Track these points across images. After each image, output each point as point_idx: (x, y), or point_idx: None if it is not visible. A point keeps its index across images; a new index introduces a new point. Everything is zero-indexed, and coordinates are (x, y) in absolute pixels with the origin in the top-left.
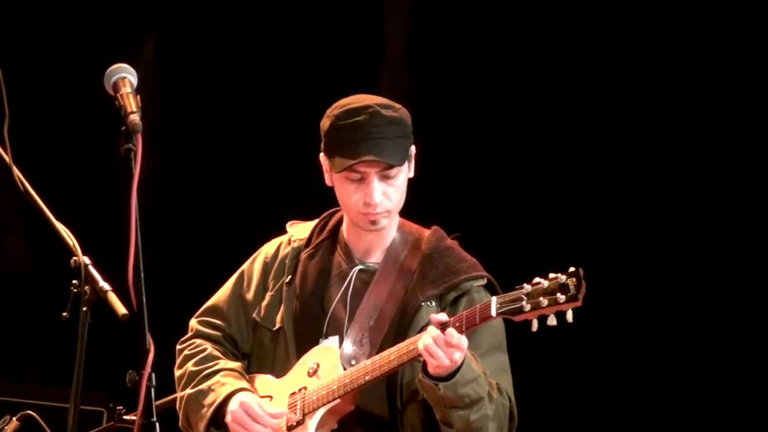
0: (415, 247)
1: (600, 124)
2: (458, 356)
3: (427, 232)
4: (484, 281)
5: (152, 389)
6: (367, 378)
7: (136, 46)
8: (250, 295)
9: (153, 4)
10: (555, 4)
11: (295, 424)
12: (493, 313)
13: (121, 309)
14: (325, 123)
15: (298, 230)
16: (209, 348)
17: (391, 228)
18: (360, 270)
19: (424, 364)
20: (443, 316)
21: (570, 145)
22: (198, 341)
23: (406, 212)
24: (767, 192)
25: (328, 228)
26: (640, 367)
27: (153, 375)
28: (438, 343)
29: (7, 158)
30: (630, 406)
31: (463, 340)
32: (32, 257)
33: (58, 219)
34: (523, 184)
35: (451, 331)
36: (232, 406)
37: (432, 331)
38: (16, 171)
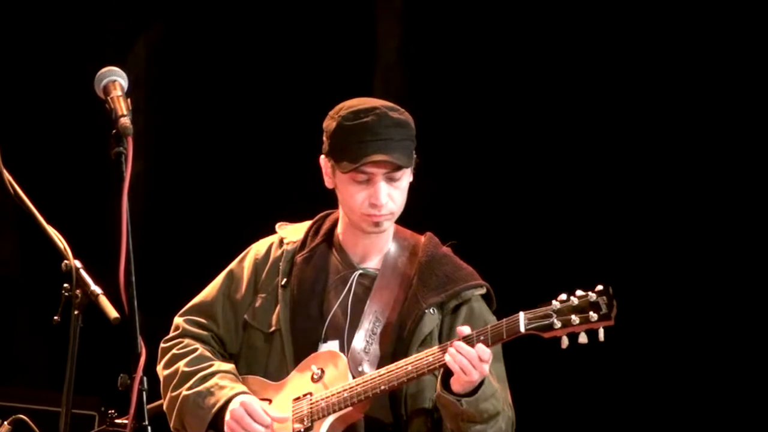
0: (411, 254)
1: (595, 127)
2: (487, 370)
3: (422, 239)
4: (483, 290)
5: (144, 393)
6: (383, 387)
7: (127, 48)
8: (239, 296)
9: (144, 6)
10: (549, 4)
11: (303, 431)
12: (522, 329)
13: (112, 312)
14: (330, 124)
15: (290, 232)
16: (200, 348)
17: (387, 233)
18: (360, 275)
19: (444, 379)
20: (467, 329)
21: (565, 147)
22: (186, 340)
23: (402, 216)
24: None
25: (322, 231)
26: (640, 376)
27: (145, 378)
28: (472, 360)
29: None
30: (631, 413)
31: (490, 355)
32: (23, 261)
33: (48, 223)
34: (519, 187)
35: (482, 347)
36: (233, 405)
37: (463, 347)
38: (6, 174)
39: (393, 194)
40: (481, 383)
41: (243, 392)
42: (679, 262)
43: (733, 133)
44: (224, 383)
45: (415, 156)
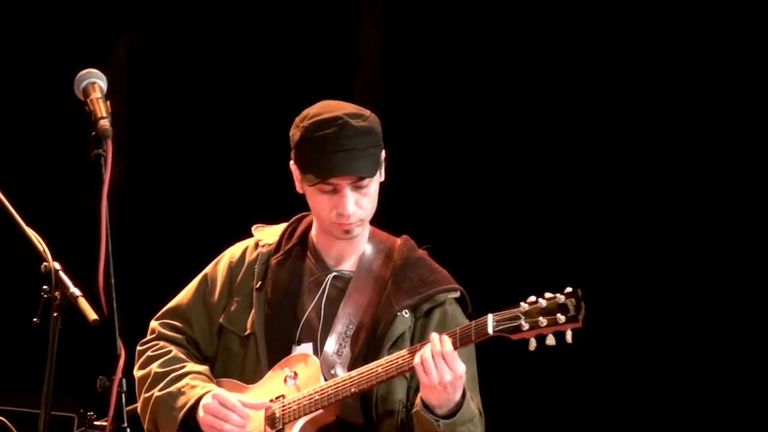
0: (387, 257)
1: (577, 128)
2: (449, 378)
3: (398, 242)
4: (457, 294)
5: (123, 394)
6: (353, 390)
7: (107, 51)
8: (214, 299)
9: (125, 9)
10: (529, 8)
11: None
12: (490, 330)
13: (91, 314)
14: (294, 134)
15: (266, 234)
16: (174, 350)
17: (362, 236)
18: (334, 277)
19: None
20: (436, 334)
21: (544, 151)
22: (161, 343)
23: (377, 219)
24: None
25: (297, 234)
26: (631, 378)
27: (124, 380)
28: (435, 357)
29: None
30: (625, 418)
31: (452, 355)
32: (1, 263)
33: (27, 224)
34: (496, 188)
35: (446, 339)
36: (205, 400)
37: (427, 348)
38: None
39: (361, 201)
40: (461, 406)
41: (214, 390)
42: (655, 265)
43: (708, 133)
44: (195, 383)
45: (384, 156)
